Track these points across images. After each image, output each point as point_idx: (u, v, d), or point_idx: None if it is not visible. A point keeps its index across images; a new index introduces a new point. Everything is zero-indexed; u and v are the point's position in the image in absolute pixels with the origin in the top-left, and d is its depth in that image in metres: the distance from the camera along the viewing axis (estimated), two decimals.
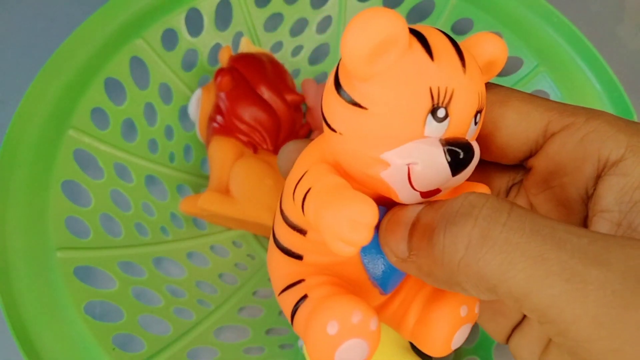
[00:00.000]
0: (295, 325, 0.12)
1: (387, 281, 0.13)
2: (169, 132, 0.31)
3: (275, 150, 0.31)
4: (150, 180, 0.29)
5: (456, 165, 0.11)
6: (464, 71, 0.11)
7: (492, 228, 0.09)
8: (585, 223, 0.13)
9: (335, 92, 0.11)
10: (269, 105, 0.30)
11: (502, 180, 0.16)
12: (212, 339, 0.25)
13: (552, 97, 0.30)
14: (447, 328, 0.13)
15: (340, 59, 0.11)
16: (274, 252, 0.14)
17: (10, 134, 0.23)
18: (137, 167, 0.28)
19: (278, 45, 0.35)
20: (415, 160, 0.10)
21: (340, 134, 0.11)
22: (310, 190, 0.11)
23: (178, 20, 0.30)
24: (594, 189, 0.12)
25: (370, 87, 0.10)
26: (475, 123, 0.11)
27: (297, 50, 0.36)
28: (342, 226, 0.10)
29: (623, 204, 0.11)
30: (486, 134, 0.14)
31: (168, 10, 0.30)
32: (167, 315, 0.25)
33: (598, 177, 0.12)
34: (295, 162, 0.13)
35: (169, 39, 0.30)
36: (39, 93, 0.24)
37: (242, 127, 0.29)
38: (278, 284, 0.14)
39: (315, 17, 0.35)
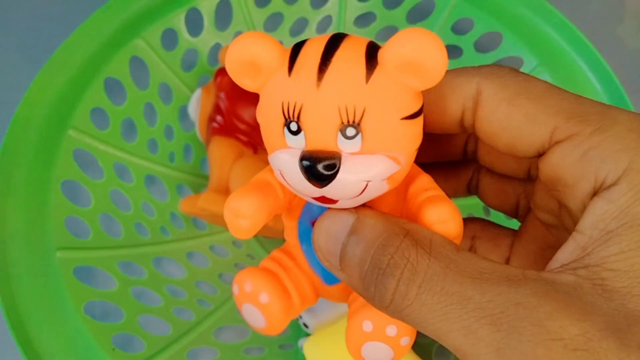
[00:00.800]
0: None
1: (322, 272, 0.14)
2: (168, 132, 0.31)
3: None
4: (150, 180, 0.29)
5: (313, 176, 0.11)
6: (318, 85, 0.11)
7: (410, 290, 0.11)
8: None
9: None
10: None
11: (463, 175, 0.18)
12: (212, 339, 0.25)
13: None
14: (353, 340, 0.14)
15: None
16: None
17: (10, 134, 0.23)
18: (137, 167, 0.28)
19: None
20: (280, 167, 0.12)
21: None
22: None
23: (178, 20, 0.30)
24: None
25: (259, 99, 0.12)
26: (347, 137, 0.11)
27: None
28: (227, 214, 0.12)
29: (596, 230, 0.11)
30: (493, 133, 0.13)
31: (168, 10, 0.30)
32: (167, 316, 0.25)
33: (592, 195, 0.12)
34: None
35: (169, 38, 0.30)
36: (39, 93, 0.24)
37: (242, 127, 0.29)
38: None
39: (315, 17, 0.35)
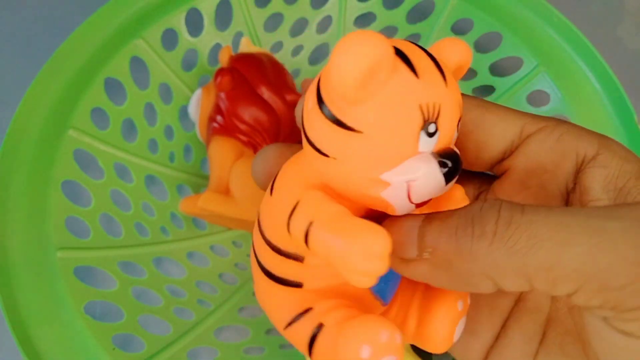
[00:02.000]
0: (316, 356, 0.12)
1: (386, 292, 0.14)
2: (169, 132, 0.31)
3: None
4: (150, 180, 0.29)
5: (449, 175, 0.11)
6: (446, 85, 0.11)
7: (514, 215, 0.10)
8: None
9: (322, 115, 0.11)
10: (269, 105, 0.30)
11: (470, 188, 0.17)
12: (212, 339, 0.25)
13: (552, 97, 0.30)
14: (448, 324, 0.13)
15: (319, 82, 0.11)
16: (265, 284, 0.13)
17: (10, 134, 0.23)
18: (137, 167, 0.28)
19: (278, 45, 0.35)
20: (414, 177, 0.11)
21: (333, 158, 0.11)
22: (314, 225, 0.11)
23: (178, 20, 0.30)
24: (574, 184, 0.13)
25: (363, 110, 0.10)
26: (457, 131, 0.12)
27: (297, 50, 0.36)
28: (357, 259, 0.10)
29: (610, 191, 0.12)
30: (465, 133, 0.14)
31: (168, 10, 0.30)
32: (167, 315, 0.25)
33: (577, 172, 0.13)
34: (271, 172, 0.13)
35: (169, 39, 0.30)
36: (39, 93, 0.24)
37: (242, 127, 0.29)
38: (280, 318, 0.13)
39: (315, 17, 0.35)
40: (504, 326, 0.14)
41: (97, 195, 0.26)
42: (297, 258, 0.12)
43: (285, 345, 0.27)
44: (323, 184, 0.12)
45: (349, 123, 0.11)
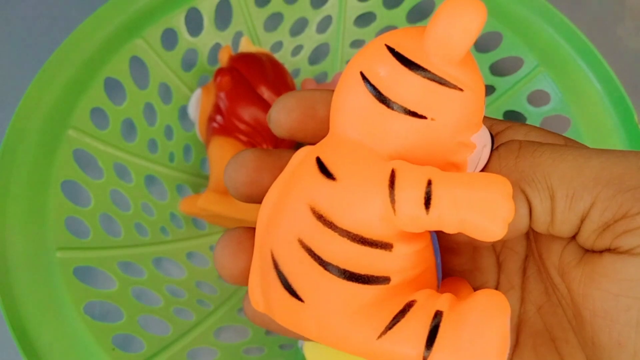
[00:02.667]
0: (441, 348, 0.10)
1: (440, 268, 0.13)
2: (168, 132, 0.31)
3: None
4: (150, 180, 0.29)
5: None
6: None
7: (534, 143, 0.12)
8: None
9: (417, 76, 0.11)
10: (269, 105, 0.30)
11: None
12: (212, 339, 0.25)
13: (552, 97, 0.30)
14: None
15: (398, 47, 0.11)
16: (337, 298, 0.11)
17: (10, 134, 0.23)
18: (136, 167, 0.28)
19: (278, 45, 0.35)
20: (486, 142, 0.12)
21: (431, 119, 0.11)
22: (436, 182, 0.10)
23: (178, 20, 0.30)
24: None
25: (464, 70, 0.11)
26: None
27: (297, 50, 0.36)
28: (501, 202, 0.10)
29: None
30: None
31: (168, 10, 0.30)
32: (166, 316, 0.25)
33: None
34: (250, 181, 0.12)
35: (169, 38, 0.30)
36: (38, 93, 0.24)
37: (242, 127, 0.29)
38: (371, 326, 0.11)
39: (315, 17, 0.35)
40: None
41: (96, 195, 0.26)
42: (386, 246, 0.11)
43: (285, 346, 0.27)
44: (397, 153, 0.11)
45: (452, 81, 0.11)
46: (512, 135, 0.14)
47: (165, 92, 0.31)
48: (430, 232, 0.12)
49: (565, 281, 0.12)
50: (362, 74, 0.11)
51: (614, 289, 0.11)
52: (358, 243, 0.10)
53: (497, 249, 0.15)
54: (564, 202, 0.11)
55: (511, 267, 0.14)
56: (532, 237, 0.14)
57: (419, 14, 0.34)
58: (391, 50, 0.11)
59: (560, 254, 0.12)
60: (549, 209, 0.11)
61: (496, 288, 0.14)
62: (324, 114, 0.13)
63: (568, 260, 0.12)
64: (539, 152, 0.11)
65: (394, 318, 0.10)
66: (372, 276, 0.11)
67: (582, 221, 0.11)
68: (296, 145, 0.34)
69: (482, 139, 0.11)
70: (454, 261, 0.15)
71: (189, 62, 0.32)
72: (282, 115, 0.13)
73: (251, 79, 0.30)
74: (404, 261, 0.11)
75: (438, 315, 0.10)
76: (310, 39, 0.35)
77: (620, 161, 0.11)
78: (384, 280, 0.11)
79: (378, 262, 0.11)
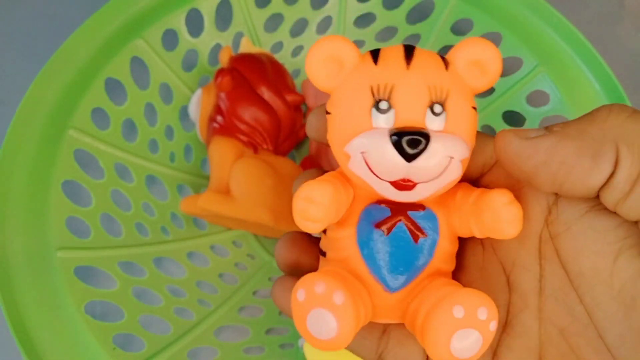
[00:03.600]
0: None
1: (387, 277, 0.13)
2: (169, 132, 0.31)
3: (276, 151, 0.31)
4: (151, 180, 0.29)
5: (405, 150, 0.12)
6: (407, 68, 0.12)
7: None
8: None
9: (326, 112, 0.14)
10: (269, 106, 0.30)
11: None
12: (212, 339, 0.25)
13: (551, 97, 0.30)
14: (441, 331, 0.12)
15: None
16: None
17: (10, 134, 0.23)
18: (137, 167, 0.28)
19: (278, 46, 0.35)
20: (366, 149, 0.12)
21: (327, 140, 0.14)
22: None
23: (178, 21, 0.31)
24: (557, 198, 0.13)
25: (332, 96, 0.13)
26: (434, 113, 0.12)
27: (297, 51, 0.36)
28: (299, 203, 0.12)
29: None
30: None
31: (168, 10, 0.30)
32: (167, 315, 0.25)
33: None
34: (294, 262, 0.16)
35: (169, 39, 0.30)
36: (39, 93, 0.24)
37: (242, 127, 0.29)
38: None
39: (315, 18, 0.35)
40: (495, 354, 0.14)
41: (97, 195, 0.26)
42: (325, 230, 0.14)
43: (285, 345, 0.27)
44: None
45: (327, 108, 0.13)
46: None
47: (166, 93, 0.31)
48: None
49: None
50: None
51: None
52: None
53: (508, 268, 0.14)
54: None
55: (525, 287, 0.14)
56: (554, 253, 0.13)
57: (419, 15, 0.34)
58: None
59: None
60: (635, 177, 0.11)
61: (507, 307, 0.14)
62: None
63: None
64: None
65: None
66: (321, 249, 0.15)
67: None
68: (295, 147, 0.34)
69: (356, 147, 0.12)
70: (462, 279, 0.15)
71: (189, 63, 0.32)
72: (284, 256, 0.16)
73: (251, 79, 0.30)
74: (330, 243, 0.14)
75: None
76: (310, 39, 0.35)
77: None
78: (323, 253, 0.15)
79: (323, 241, 0.15)
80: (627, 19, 0.40)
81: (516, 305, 0.14)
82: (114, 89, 0.28)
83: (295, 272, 0.16)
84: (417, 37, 0.35)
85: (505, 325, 0.14)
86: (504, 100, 0.32)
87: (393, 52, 0.13)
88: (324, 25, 0.35)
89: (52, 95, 0.25)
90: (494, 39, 0.32)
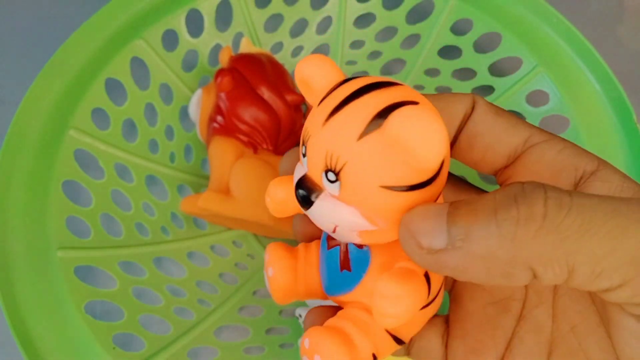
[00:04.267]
0: None
1: (331, 284, 0.15)
2: (169, 132, 0.31)
3: (276, 151, 0.31)
4: (151, 180, 0.29)
5: (299, 196, 0.12)
6: (323, 125, 0.12)
7: (562, 197, 0.09)
8: None
9: None
10: (269, 106, 0.30)
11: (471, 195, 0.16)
12: (212, 339, 0.25)
13: (551, 97, 0.30)
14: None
15: None
16: None
17: (11, 134, 0.23)
18: (137, 167, 0.28)
19: (278, 46, 0.35)
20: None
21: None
22: None
23: (178, 21, 0.31)
24: None
25: None
26: (328, 179, 0.12)
27: (297, 51, 0.36)
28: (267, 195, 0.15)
29: None
30: (475, 134, 0.14)
31: (168, 10, 0.30)
32: (167, 315, 0.25)
33: (576, 186, 0.13)
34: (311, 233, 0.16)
35: (170, 39, 0.30)
36: (40, 93, 0.24)
37: (243, 127, 0.29)
38: None
39: (315, 18, 0.35)
40: (508, 346, 0.14)
41: (97, 195, 0.26)
42: None
43: (285, 345, 0.27)
44: None
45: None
46: (545, 151, 0.13)
47: (166, 93, 0.31)
48: None
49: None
50: None
51: None
52: None
53: None
54: (585, 279, 0.10)
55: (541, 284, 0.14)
56: None
57: (419, 15, 0.34)
58: None
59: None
60: (562, 281, 0.10)
61: (524, 302, 0.14)
62: None
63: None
64: (566, 223, 0.09)
65: None
66: None
67: (604, 293, 0.10)
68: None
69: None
70: None
71: (189, 63, 0.32)
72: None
73: (251, 79, 0.30)
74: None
75: None
76: (310, 39, 0.35)
77: None
78: None
79: None
80: (627, 18, 0.40)
81: (531, 301, 0.14)
82: (114, 89, 0.28)
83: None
84: (417, 37, 0.35)
85: (519, 319, 0.14)
86: (503, 100, 0.32)
87: (336, 98, 0.12)
88: (324, 26, 0.35)
89: (52, 95, 0.25)
90: (494, 39, 0.32)
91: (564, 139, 0.14)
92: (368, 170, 0.11)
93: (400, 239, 0.11)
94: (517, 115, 0.14)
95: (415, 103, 0.11)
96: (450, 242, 0.10)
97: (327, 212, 0.12)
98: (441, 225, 0.10)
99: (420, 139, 0.10)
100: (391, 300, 0.11)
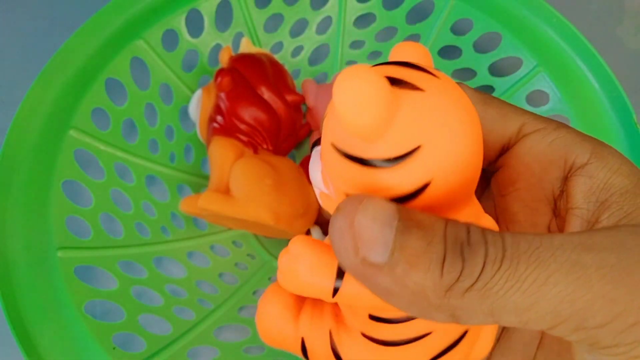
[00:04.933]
0: None
1: None
2: (169, 132, 0.31)
3: (276, 151, 0.31)
4: (151, 180, 0.30)
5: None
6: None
7: (498, 251, 0.09)
8: (550, 224, 0.14)
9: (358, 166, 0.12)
10: (269, 106, 0.30)
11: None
12: (212, 339, 0.25)
13: (551, 97, 0.30)
14: None
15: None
16: None
17: (11, 134, 0.23)
18: (137, 167, 0.28)
19: (278, 46, 0.35)
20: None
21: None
22: None
23: (178, 21, 0.31)
24: (561, 190, 0.13)
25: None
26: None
27: (297, 51, 0.36)
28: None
29: (591, 203, 0.12)
30: None
31: (168, 11, 0.30)
32: (167, 315, 0.25)
33: (565, 179, 0.13)
34: None
35: (170, 39, 0.30)
36: (40, 93, 0.24)
37: (242, 127, 0.29)
38: None
39: (315, 18, 0.35)
40: (504, 328, 0.14)
41: (97, 195, 0.26)
42: None
43: None
44: None
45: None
46: (536, 142, 0.13)
47: (166, 93, 0.31)
48: None
49: None
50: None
51: None
52: None
53: None
54: (513, 324, 0.10)
55: None
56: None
57: (419, 15, 0.34)
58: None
59: None
60: (487, 324, 0.10)
61: None
62: None
63: None
64: (495, 280, 0.09)
65: None
66: None
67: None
68: (296, 147, 0.34)
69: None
70: None
71: (189, 63, 0.32)
72: None
73: (251, 79, 0.30)
74: None
75: None
76: (310, 39, 0.35)
77: (586, 289, 0.09)
78: None
79: None
80: (627, 18, 0.40)
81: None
82: (114, 89, 0.28)
83: None
84: (417, 37, 0.35)
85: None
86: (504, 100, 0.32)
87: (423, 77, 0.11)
88: (324, 26, 0.35)
89: (52, 96, 0.25)
90: (494, 39, 0.32)
91: (559, 126, 0.13)
92: (328, 124, 0.11)
93: (332, 227, 0.10)
94: (507, 102, 0.14)
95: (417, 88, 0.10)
96: (389, 265, 0.09)
97: (311, 165, 0.12)
98: (387, 239, 0.09)
99: (341, 96, 0.09)
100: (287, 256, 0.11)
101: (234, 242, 0.31)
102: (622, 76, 0.28)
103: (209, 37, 0.32)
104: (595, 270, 0.09)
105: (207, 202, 0.27)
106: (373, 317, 0.12)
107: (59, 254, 0.23)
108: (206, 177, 0.32)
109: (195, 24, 0.32)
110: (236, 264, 0.30)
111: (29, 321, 0.21)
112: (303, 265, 0.11)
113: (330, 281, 0.11)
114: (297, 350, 0.13)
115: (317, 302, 0.13)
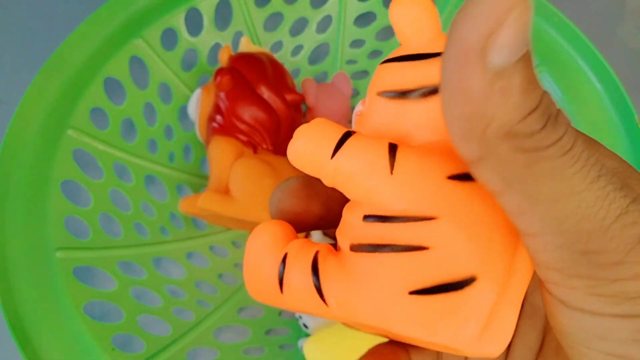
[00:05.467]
0: None
1: None
2: (168, 132, 0.31)
3: (275, 150, 0.31)
4: (150, 180, 0.29)
5: None
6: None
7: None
8: None
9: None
10: (268, 105, 0.30)
11: None
12: (211, 340, 0.25)
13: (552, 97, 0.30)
14: None
15: None
16: None
17: (9, 133, 0.23)
18: (136, 167, 0.28)
19: (278, 45, 0.35)
20: None
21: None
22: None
23: (178, 20, 0.30)
24: None
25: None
26: None
27: (297, 50, 0.35)
28: None
29: None
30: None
31: (168, 10, 0.30)
32: (166, 316, 0.25)
33: None
34: (300, 206, 0.13)
35: (169, 38, 0.30)
36: (38, 93, 0.24)
37: (242, 126, 0.29)
38: None
39: (315, 17, 0.35)
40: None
41: (96, 195, 0.26)
42: None
43: (285, 346, 0.27)
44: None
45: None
46: None
47: (165, 92, 0.31)
48: None
49: None
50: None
51: None
52: None
53: None
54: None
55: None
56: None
57: None
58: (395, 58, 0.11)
59: None
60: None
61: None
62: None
63: None
64: (554, 155, 0.09)
65: None
66: None
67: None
68: None
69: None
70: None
71: (188, 62, 0.32)
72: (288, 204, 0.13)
73: (251, 78, 0.30)
74: None
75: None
76: (310, 38, 0.35)
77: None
78: None
79: None
80: (628, 18, 0.40)
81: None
82: (113, 88, 0.28)
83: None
84: None
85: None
86: None
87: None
88: (324, 25, 0.35)
89: (51, 95, 0.25)
90: None
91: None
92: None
93: (448, 52, 0.08)
94: None
95: None
96: (499, 73, 0.08)
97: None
98: (519, 49, 0.09)
99: None
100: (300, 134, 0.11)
101: (233, 243, 0.31)
102: (623, 76, 0.28)
103: (209, 36, 0.32)
104: None
105: (206, 202, 0.27)
106: (368, 217, 0.11)
107: (58, 254, 0.23)
108: (205, 177, 0.32)
109: (194, 23, 0.31)
110: (236, 265, 0.30)
111: (27, 322, 0.21)
112: (305, 135, 0.11)
113: (329, 147, 0.11)
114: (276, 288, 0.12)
115: (306, 241, 0.12)
